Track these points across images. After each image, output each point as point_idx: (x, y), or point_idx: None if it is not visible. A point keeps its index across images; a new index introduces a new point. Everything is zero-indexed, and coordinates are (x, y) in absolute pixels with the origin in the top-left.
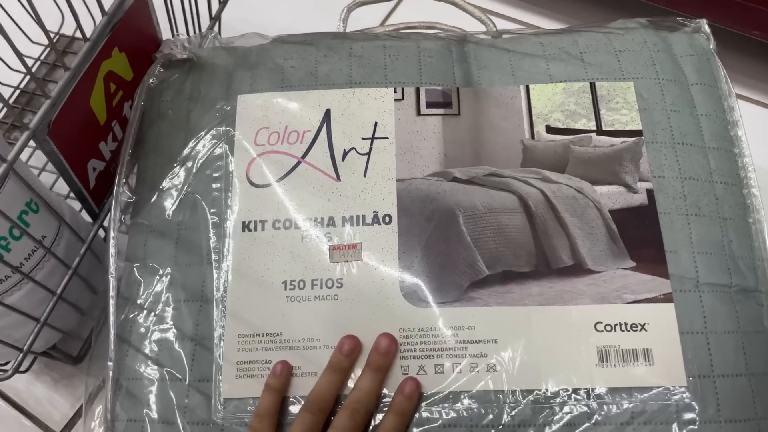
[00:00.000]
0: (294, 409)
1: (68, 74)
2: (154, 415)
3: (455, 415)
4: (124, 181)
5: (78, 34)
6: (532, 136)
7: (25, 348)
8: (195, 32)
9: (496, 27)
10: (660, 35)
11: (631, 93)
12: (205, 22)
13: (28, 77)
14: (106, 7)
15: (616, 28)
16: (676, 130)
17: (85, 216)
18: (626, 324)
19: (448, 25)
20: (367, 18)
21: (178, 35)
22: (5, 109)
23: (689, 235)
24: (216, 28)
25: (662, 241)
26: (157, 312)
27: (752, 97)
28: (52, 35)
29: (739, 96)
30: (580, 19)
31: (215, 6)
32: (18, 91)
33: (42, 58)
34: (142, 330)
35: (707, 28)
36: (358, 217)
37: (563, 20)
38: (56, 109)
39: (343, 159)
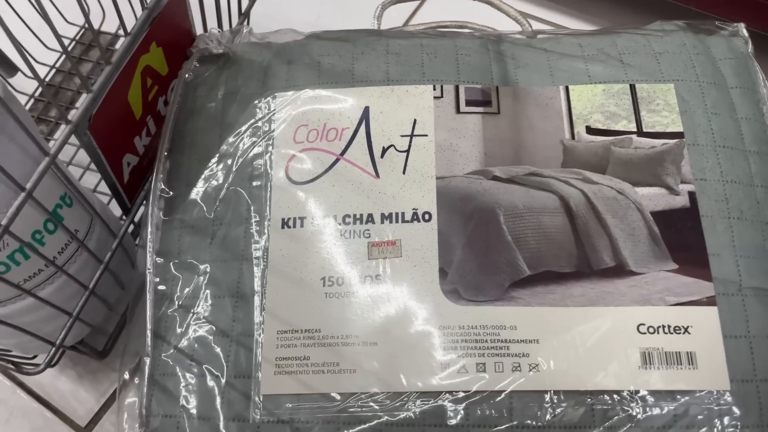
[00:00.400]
0: (329, 405)
1: (109, 68)
2: (191, 411)
3: (496, 414)
4: (161, 176)
5: (105, 27)
6: (573, 137)
7: (58, 342)
8: (226, 28)
9: (531, 27)
10: (698, 38)
11: (671, 95)
12: (234, 18)
13: (53, 71)
14: (147, 1)
15: (654, 31)
16: (717, 133)
17: (114, 211)
18: (669, 326)
19: (480, 25)
20: (396, 16)
21: (211, 30)
22: (31, 101)
23: (732, 238)
24: (245, 23)
25: (705, 244)
26: (194, 308)
27: None
28: (77, 29)
29: None
30: (610, 21)
31: (245, 2)
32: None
33: (69, 49)
34: (178, 326)
35: (745, 32)
36: (397, 214)
37: (594, 22)
38: (97, 103)
39: (382, 156)
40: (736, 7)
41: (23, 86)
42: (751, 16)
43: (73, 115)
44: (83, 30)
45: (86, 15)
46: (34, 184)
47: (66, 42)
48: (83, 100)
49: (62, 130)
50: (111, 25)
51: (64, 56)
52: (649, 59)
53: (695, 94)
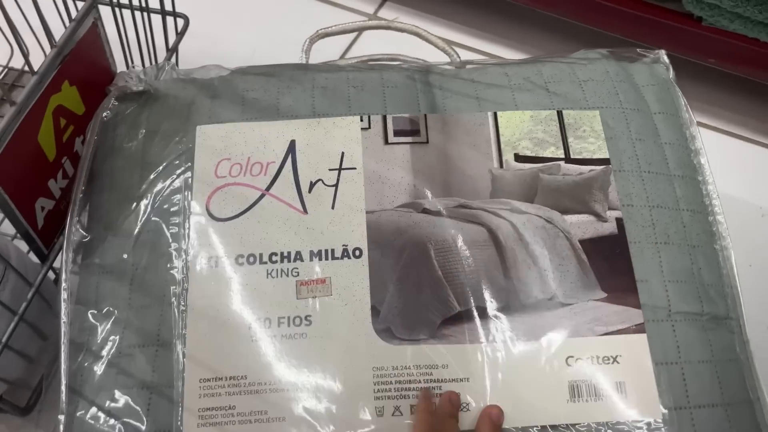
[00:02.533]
0: None
1: (13, 110)
2: None
3: None
4: (76, 219)
5: (18, 64)
6: (501, 165)
7: None
8: (151, 63)
9: (459, 58)
10: (621, 65)
11: (597, 121)
12: (162, 53)
13: None
14: (56, 38)
15: (578, 59)
16: (642, 159)
17: (34, 256)
18: (598, 357)
19: (411, 57)
20: (328, 50)
21: (133, 67)
22: None
23: (659, 263)
24: (173, 60)
25: (633, 271)
26: (112, 359)
27: (710, 124)
28: None
29: (698, 123)
30: (539, 49)
31: (172, 37)
32: None
33: None
34: (96, 379)
35: (666, 59)
36: (326, 251)
37: (523, 50)
38: (0, 147)
39: (309, 191)
40: (657, 33)
41: None
42: (673, 42)
43: None
44: (6, 70)
45: None
46: None
47: None
48: None
49: None
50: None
51: None
52: (574, 87)
53: (620, 121)
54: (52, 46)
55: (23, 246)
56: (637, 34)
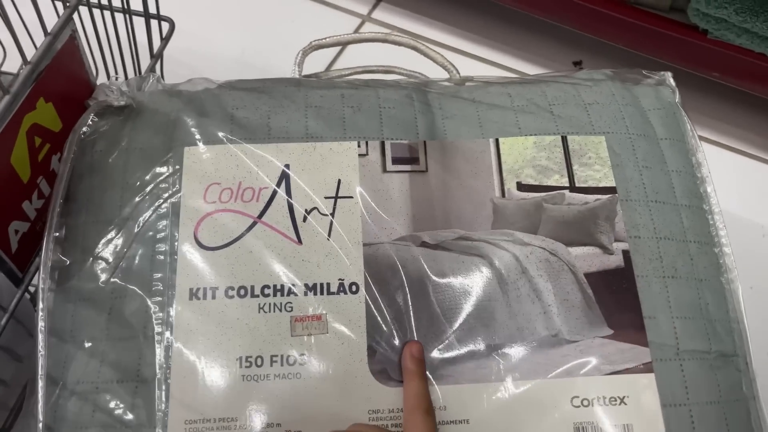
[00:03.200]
0: None
1: None
2: None
3: None
4: (51, 245)
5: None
6: (503, 194)
7: None
8: (134, 71)
9: (459, 74)
10: (626, 87)
11: (603, 148)
12: (145, 58)
13: None
14: (29, 54)
15: (583, 80)
16: (649, 187)
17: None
18: (605, 398)
19: (407, 70)
20: (320, 54)
21: (115, 77)
22: None
23: (667, 298)
24: (158, 68)
25: (640, 306)
26: (87, 395)
27: (711, 138)
28: None
29: (700, 137)
30: (539, 56)
31: (156, 42)
32: None
33: None
34: (71, 417)
35: (672, 81)
36: (322, 285)
37: (522, 57)
38: None
39: (304, 220)
40: (661, 44)
41: None
42: (676, 54)
43: None
44: None
45: None
46: None
47: None
48: None
49: None
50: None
51: None
52: (579, 110)
53: (626, 147)
54: (24, 62)
55: None
56: (640, 45)
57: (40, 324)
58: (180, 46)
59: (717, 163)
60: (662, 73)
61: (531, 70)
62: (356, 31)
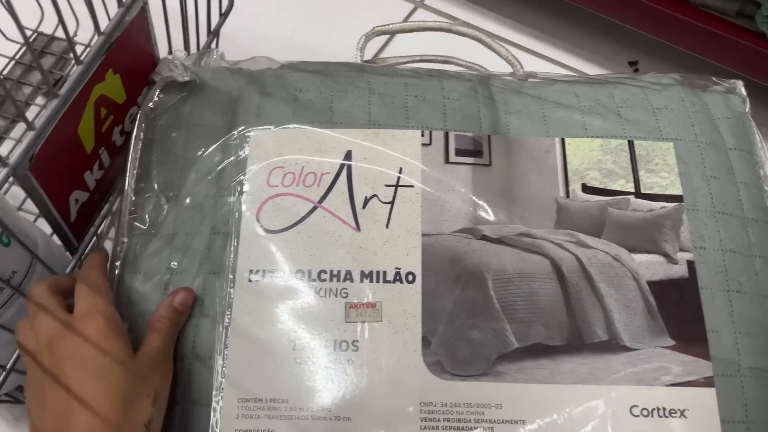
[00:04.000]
0: None
1: (56, 102)
2: None
3: None
4: (127, 217)
5: (59, 32)
6: (567, 195)
7: None
8: (194, 46)
9: (523, 68)
10: (695, 94)
11: (671, 154)
12: (202, 36)
13: None
14: (102, 24)
15: (651, 83)
16: (717, 198)
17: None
18: (665, 409)
19: (465, 61)
20: (376, 41)
21: (176, 53)
22: None
23: (731, 312)
24: (214, 43)
25: (703, 319)
26: None
27: None
28: (29, 33)
29: None
30: (597, 54)
31: (214, 20)
32: None
33: (17, 57)
34: None
35: (743, 90)
36: (378, 273)
37: (581, 55)
38: (40, 141)
39: (363, 207)
40: (726, 50)
41: None
42: (741, 61)
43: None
44: (34, 36)
45: (24, 34)
46: None
47: (14, 49)
48: (25, 139)
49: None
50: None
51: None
52: (648, 114)
53: (694, 155)
54: (98, 33)
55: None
56: (703, 49)
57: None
58: (234, 25)
59: None
60: (733, 81)
61: (584, 67)
62: (408, 16)
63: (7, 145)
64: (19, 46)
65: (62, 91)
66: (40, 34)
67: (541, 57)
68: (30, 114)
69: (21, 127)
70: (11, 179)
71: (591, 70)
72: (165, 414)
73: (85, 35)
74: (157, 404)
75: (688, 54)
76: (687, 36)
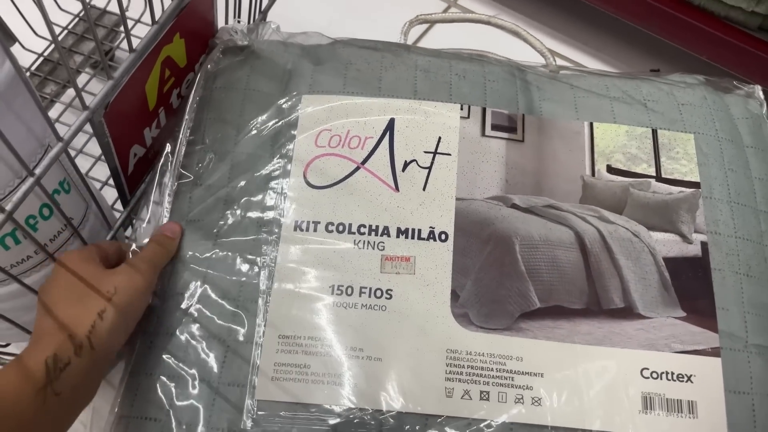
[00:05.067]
0: (326, 418)
1: (133, 56)
2: (176, 415)
3: None
4: (176, 171)
5: (111, 7)
6: (593, 174)
7: None
8: (249, 20)
9: (555, 62)
10: (718, 95)
11: (691, 145)
12: (253, 17)
13: (52, 46)
14: None
15: (676, 81)
16: (733, 189)
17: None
18: (673, 373)
19: (499, 55)
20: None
21: (237, 20)
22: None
23: (740, 293)
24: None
25: (713, 296)
26: (187, 306)
27: None
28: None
29: None
30: (621, 61)
31: (263, 2)
32: (41, 59)
33: (70, 27)
34: (170, 325)
35: (761, 94)
36: (413, 230)
37: (605, 60)
38: (116, 91)
39: (403, 170)
40: (747, 62)
41: (24, 58)
42: (762, 73)
43: (89, 101)
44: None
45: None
46: (44, 169)
47: (67, 19)
48: (104, 87)
49: (71, 112)
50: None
51: (63, 33)
52: (672, 108)
53: (714, 148)
54: None
55: (97, 184)
56: (724, 60)
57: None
58: (270, 13)
59: None
60: (752, 86)
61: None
62: (447, 8)
63: (58, 107)
64: (71, 17)
65: (138, 46)
66: (94, 7)
67: (566, 60)
68: (80, 83)
69: (69, 94)
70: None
71: None
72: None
73: (136, 11)
74: (114, 299)
75: (708, 64)
76: (709, 46)
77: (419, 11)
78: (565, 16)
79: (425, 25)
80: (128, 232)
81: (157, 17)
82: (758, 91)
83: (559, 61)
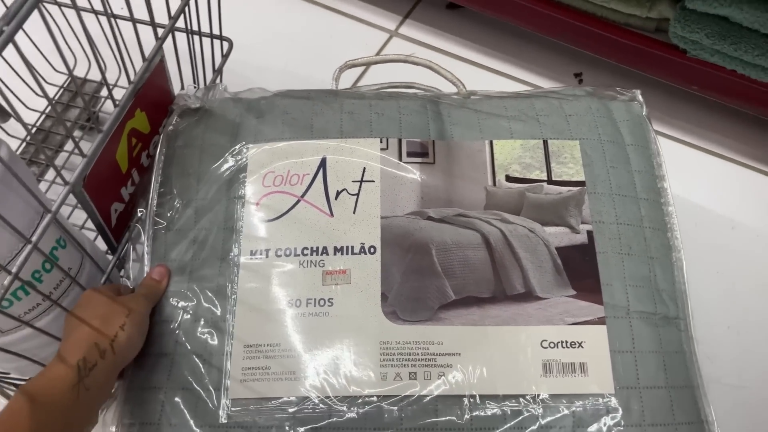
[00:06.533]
0: (287, 407)
1: (101, 136)
2: (167, 418)
3: (425, 414)
4: (153, 213)
5: (90, 76)
6: (494, 184)
7: None
8: (201, 82)
9: (465, 88)
10: (602, 102)
11: (577, 150)
12: (208, 73)
13: (43, 116)
14: (131, 75)
15: (566, 95)
16: (614, 183)
17: (100, 245)
18: (567, 342)
19: (424, 85)
20: (352, 71)
21: (188, 87)
22: (23, 145)
23: (623, 270)
24: (219, 78)
25: (599, 275)
26: (172, 331)
27: (692, 143)
28: (65, 77)
29: (669, 137)
30: (543, 67)
31: (218, 59)
32: (34, 129)
33: (56, 98)
34: (156, 346)
35: (641, 98)
36: (347, 247)
37: (529, 69)
38: (90, 166)
39: (336, 198)
40: (647, 61)
41: (16, 130)
42: (660, 69)
43: (69, 174)
44: (69, 80)
45: (75, 79)
46: (39, 237)
47: (53, 91)
48: (80, 164)
49: (58, 186)
50: (95, 73)
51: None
52: (561, 120)
53: (597, 150)
54: (129, 82)
55: (91, 234)
56: (630, 61)
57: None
58: (235, 58)
59: (696, 163)
60: (633, 91)
61: (537, 80)
62: (384, 45)
63: (51, 172)
64: (56, 89)
65: (105, 127)
66: (75, 77)
67: (498, 73)
68: (69, 145)
69: (62, 156)
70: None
71: (542, 82)
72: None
73: (110, 76)
74: (130, 317)
75: (619, 66)
76: (616, 51)
77: (364, 44)
78: (498, 34)
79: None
80: (122, 272)
81: (118, 100)
82: (638, 95)
83: (493, 77)
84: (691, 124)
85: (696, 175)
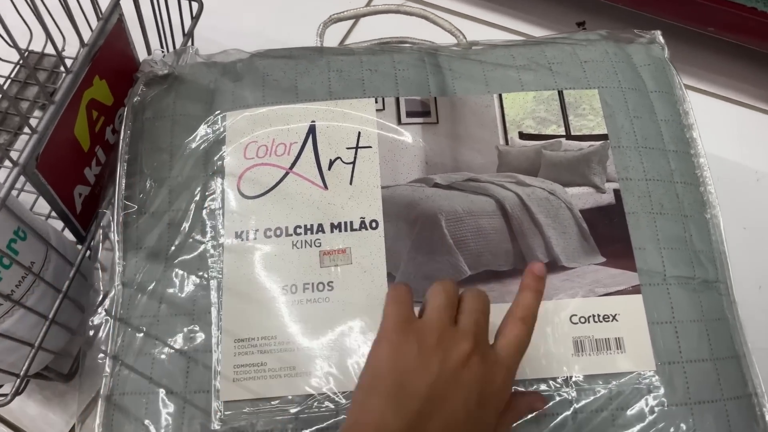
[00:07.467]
0: (288, 407)
1: (53, 108)
2: (152, 428)
3: None
4: (122, 201)
5: (48, 49)
6: (507, 142)
7: (22, 373)
8: (171, 48)
9: (466, 38)
10: (620, 46)
11: (596, 100)
12: (178, 38)
13: None
14: (85, 37)
15: (579, 40)
16: (639, 135)
17: (69, 234)
18: (599, 315)
19: (419, 39)
20: (336, 30)
21: (158, 50)
22: None
23: (655, 231)
24: (189, 42)
25: (630, 238)
26: (149, 329)
27: (710, 90)
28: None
29: (687, 86)
30: (544, 18)
31: (187, 22)
32: None
33: (12, 76)
34: (135, 346)
35: (661, 39)
36: (346, 223)
37: (529, 20)
38: (43, 143)
39: (329, 168)
40: (659, 2)
41: None
42: (674, 11)
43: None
44: (21, 62)
45: (18, 48)
46: None
47: (8, 69)
48: (29, 140)
49: (10, 170)
50: (38, 45)
51: (7, 82)
52: (576, 67)
53: (618, 99)
54: (82, 44)
55: (58, 224)
56: (639, 4)
57: (117, 279)
58: (206, 24)
59: (716, 112)
60: (653, 32)
61: (538, 32)
62: (370, 2)
63: (13, 155)
64: (12, 66)
65: (57, 97)
66: (31, 52)
67: (496, 27)
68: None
69: (23, 139)
70: (23, 178)
71: (542, 33)
72: (175, 362)
73: (72, 50)
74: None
75: (630, 11)
76: None
77: (348, 2)
78: None
79: (351, 22)
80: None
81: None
82: (658, 36)
83: (491, 30)
84: (707, 71)
85: (714, 125)
